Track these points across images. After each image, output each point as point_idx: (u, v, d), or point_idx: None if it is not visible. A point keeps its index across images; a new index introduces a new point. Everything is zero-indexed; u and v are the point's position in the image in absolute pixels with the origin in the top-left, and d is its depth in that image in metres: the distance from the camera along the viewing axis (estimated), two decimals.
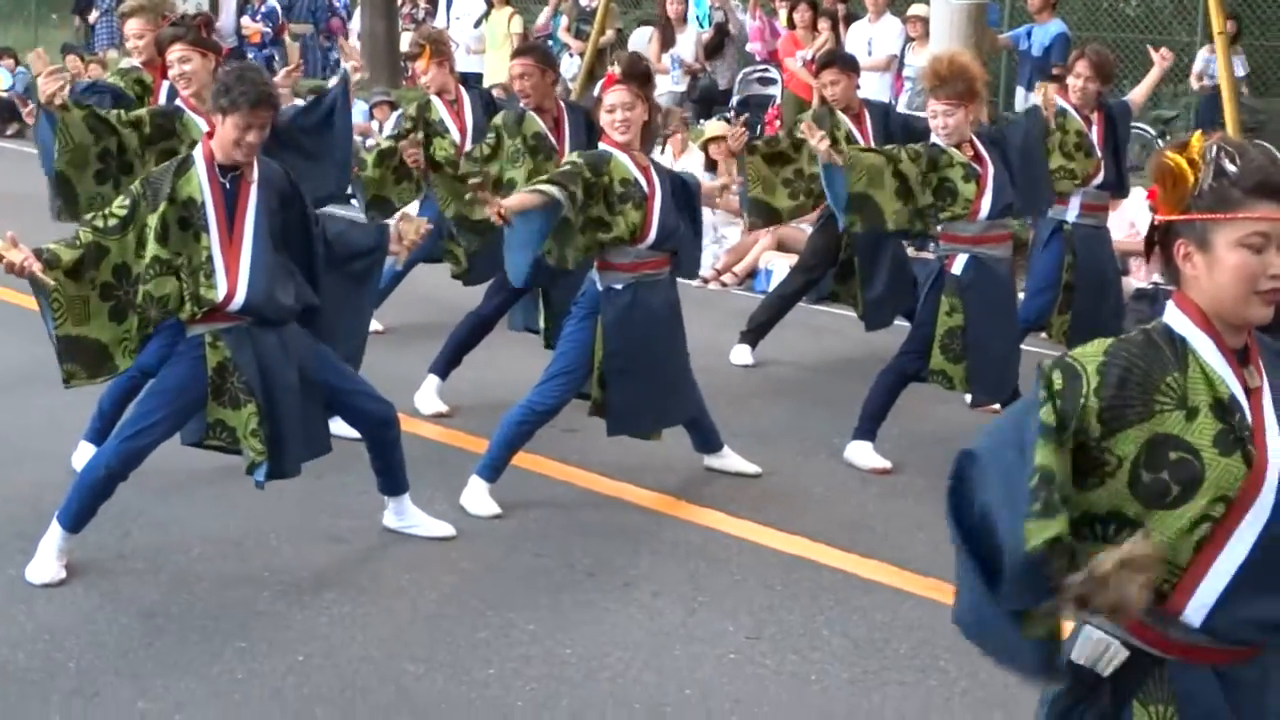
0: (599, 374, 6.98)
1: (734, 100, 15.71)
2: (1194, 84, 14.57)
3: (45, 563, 6.15)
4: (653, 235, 6.89)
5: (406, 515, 6.67)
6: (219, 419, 6.10)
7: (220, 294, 5.93)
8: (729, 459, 7.55)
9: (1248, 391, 3.12)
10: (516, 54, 8.68)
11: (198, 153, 6.00)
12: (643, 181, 6.89)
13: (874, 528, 6.94)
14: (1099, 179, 8.77)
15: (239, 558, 6.45)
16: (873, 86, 14.43)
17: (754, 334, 9.71)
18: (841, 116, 9.10)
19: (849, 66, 9.34)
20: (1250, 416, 3.11)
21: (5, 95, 21.10)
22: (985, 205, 7.51)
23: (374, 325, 10.05)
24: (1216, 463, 3.07)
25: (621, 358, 6.94)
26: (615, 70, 6.86)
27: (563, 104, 8.53)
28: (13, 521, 6.74)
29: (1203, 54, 14.58)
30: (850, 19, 15.35)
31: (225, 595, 6.07)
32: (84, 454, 7.15)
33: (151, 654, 5.57)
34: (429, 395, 8.50)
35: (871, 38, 14.45)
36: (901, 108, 13.95)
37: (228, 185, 5.98)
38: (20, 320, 10.27)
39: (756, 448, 7.88)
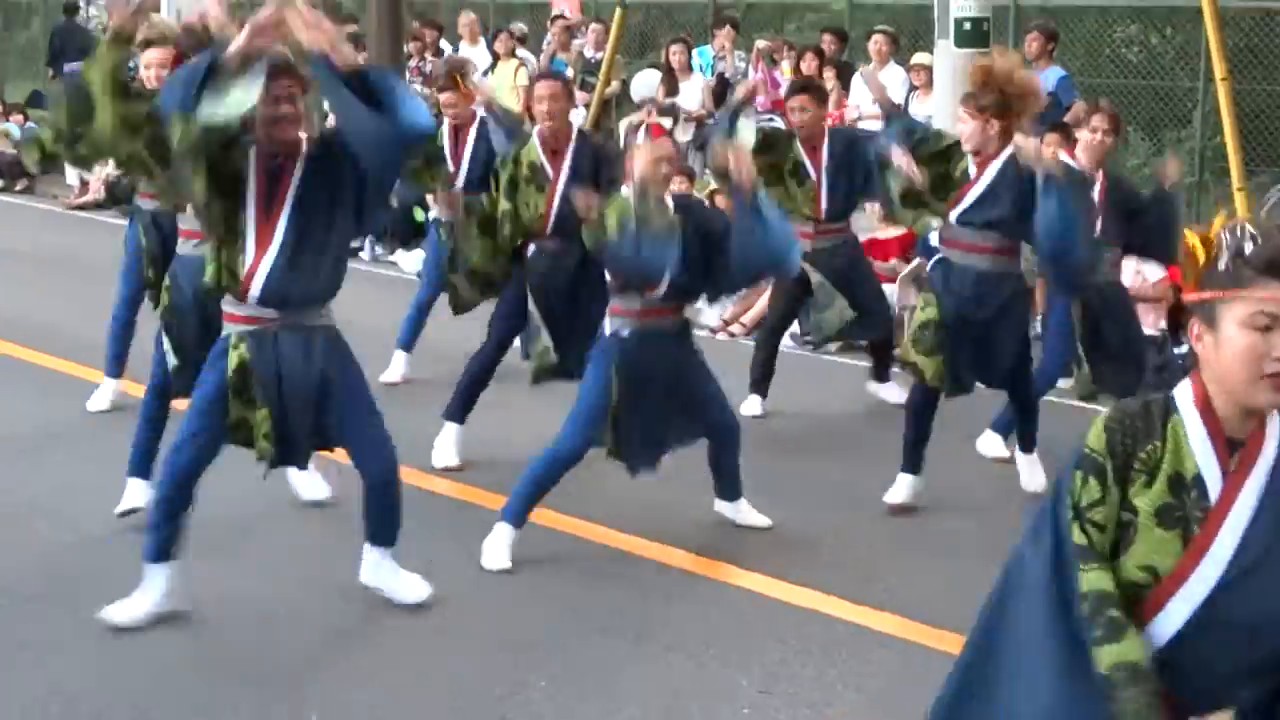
0: (612, 417, 7.03)
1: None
2: None
3: (132, 603, 6.25)
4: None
5: (380, 572, 6.55)
6: (241, 417, 6.15)
7: (243, 272, 6.01)
8: (742, 512, 7.56)
9: (1225, 475, 3.13)
10: (541, 77, 8.77)
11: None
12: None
13: (887, 580, 6.93)
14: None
15: (255, 612, 6.45)
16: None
17: (760, 385, 9.73)
18: (798, 145, 9.35)
19: (819, 97, 9.51)
20: (1214, 500, 3.11)
21: (14, 152, 21.20)
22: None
23: (396, 375, 10.21)
24: (1150, 533, 3.09)
25: (630, 401, 7.01)
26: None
27: (575, 130, 8.47)
28: (24, 581, 6.76)
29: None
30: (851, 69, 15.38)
31: (241, 651, 6.08)
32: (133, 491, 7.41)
33: (167, 712, 5.58)
34: (447, 445, 8.50)
35: None
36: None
37: (278, 164, 6.01)
38: (34, 377, 10.33)
39: (767, 499, 7.88)
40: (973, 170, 7.74)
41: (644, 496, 7.31)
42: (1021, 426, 8.27)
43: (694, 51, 16.57)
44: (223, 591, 6.64)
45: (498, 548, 7.03)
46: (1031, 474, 8.20)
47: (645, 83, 16.39)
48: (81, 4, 28.99)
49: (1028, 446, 8.26)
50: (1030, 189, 7.47)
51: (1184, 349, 10.14)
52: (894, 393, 9.65)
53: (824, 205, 9.39)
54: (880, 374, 9.97)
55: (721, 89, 16.27)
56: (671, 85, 16.10)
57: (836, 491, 8.11)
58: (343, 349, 6.23)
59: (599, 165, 8.10)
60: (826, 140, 9.36)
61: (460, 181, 9.57)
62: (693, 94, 15.98)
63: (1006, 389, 8.11)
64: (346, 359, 6.23)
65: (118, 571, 6.34)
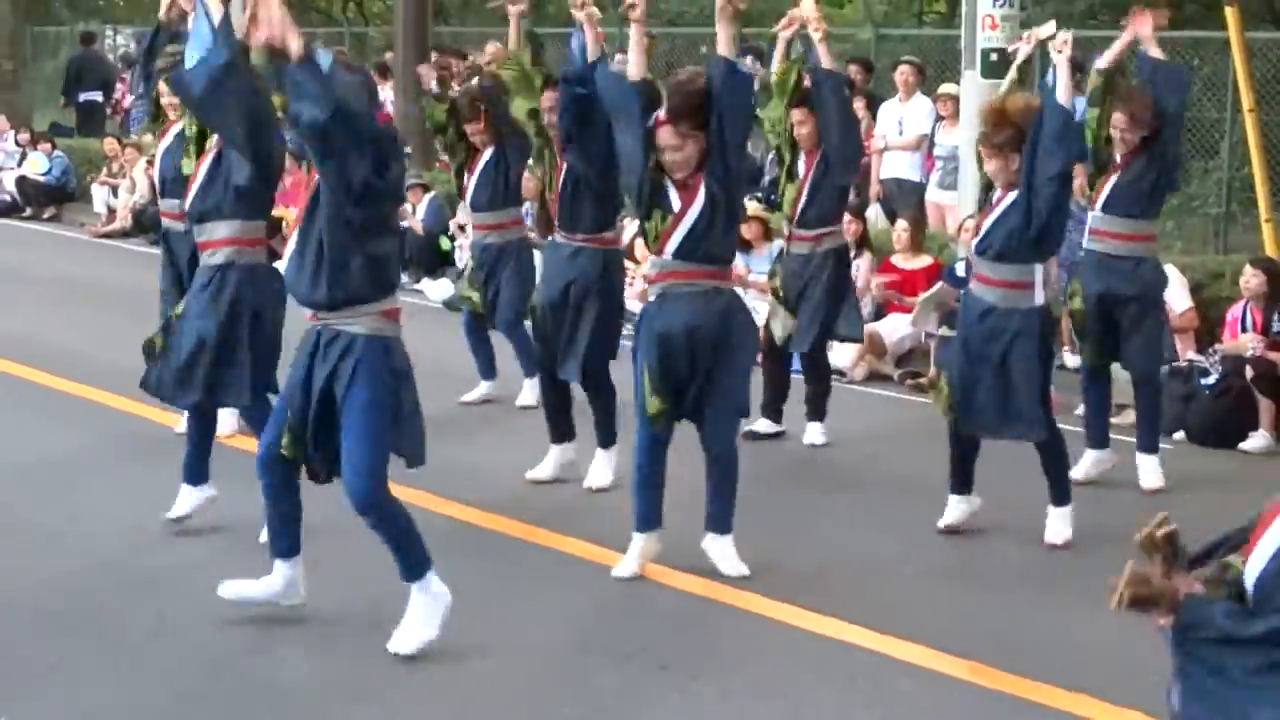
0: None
1: (765, 180, 15.74)
2: None
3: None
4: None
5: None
6: None
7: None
8: (713, 550, 7.32)
9: None
10: (548, 83, 8.96)
11: None
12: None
13: (909, 609, 6.89)
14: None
15: (273, 638, 6.45)
16: (903, 166, 14.48)
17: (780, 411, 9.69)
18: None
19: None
20: None
21: (42, 179, 21.32)
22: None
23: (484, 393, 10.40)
24: None
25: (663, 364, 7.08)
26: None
27: None
28: (46, 604, 6.77)
29: None
30: (879, 99, 15.39)
31: (258, 677, 6.07)
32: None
33: None
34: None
35: (902, 117, 14.48)
36: (933, 186, 14.00)
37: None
38: (56, 403, 10.35)
39: (789, 528, 7.87)
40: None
41: (668, 525, 7.27)
42: (1049, 473, 7.86)
43: None
44: (239, 612, 6.62)
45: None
46: (1057, 529, 7.82)
47: None
48: (108, 33, 29.23)
49: (1058, 498, 7.85)
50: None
51: (1211, 379, 10.10)
52: (814, 433, 9.65)
53: (799, 208, 9.42)
54: (811, 411, 9.79)
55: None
56: None
57: (858, 520, 8.09)
58: (369, 358, 6.01)
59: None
60: (821, 152, 9.37)
61: (468, 199, 10.18)
62: None
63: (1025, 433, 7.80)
64: (364, 370, 6.00)
65: (138, 594, 6.34)
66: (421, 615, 6.19)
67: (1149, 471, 8.68)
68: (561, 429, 8.67)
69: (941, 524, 7.89)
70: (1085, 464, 8.71)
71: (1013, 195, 7.60)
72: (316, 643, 6.41)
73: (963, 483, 7.89)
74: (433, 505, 7.89)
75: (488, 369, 10.56)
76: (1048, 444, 7.76)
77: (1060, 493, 7.83)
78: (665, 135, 7.00)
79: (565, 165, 8.38)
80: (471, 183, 10.14)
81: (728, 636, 6.61)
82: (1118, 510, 7.96)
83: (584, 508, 8.21)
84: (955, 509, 7.90)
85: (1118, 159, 8.77)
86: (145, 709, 5.79)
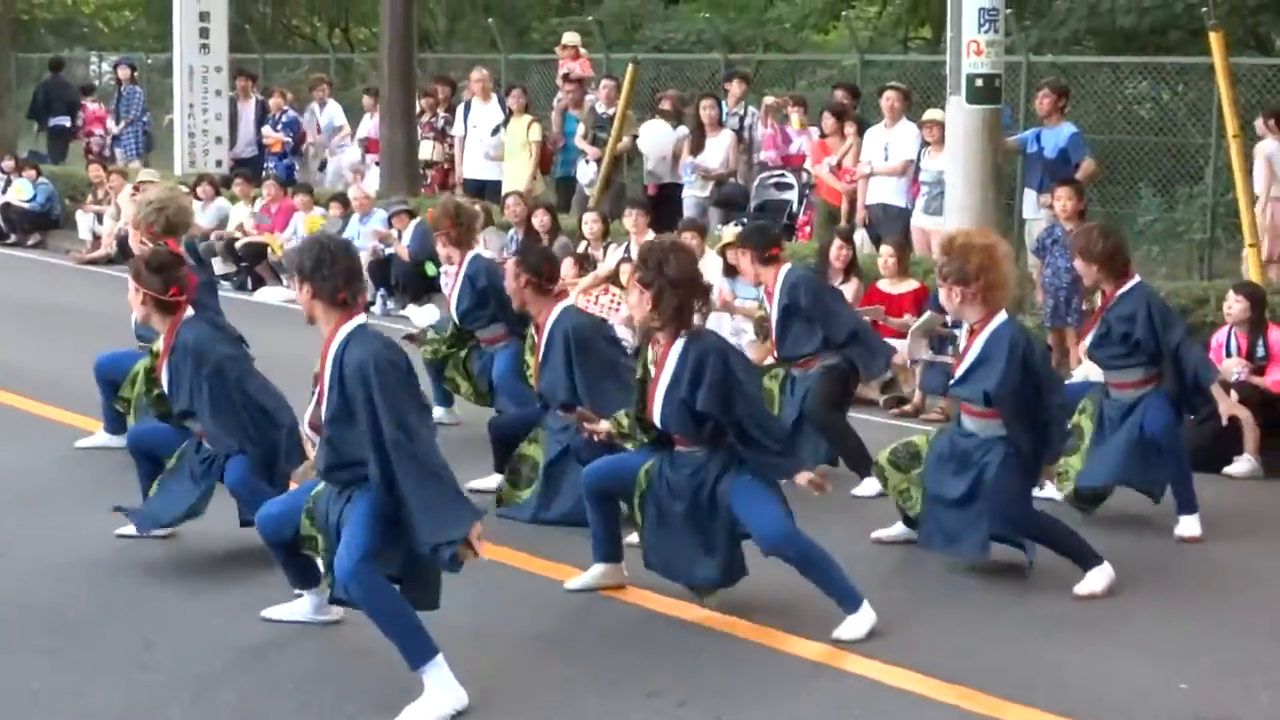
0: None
1: (752, 205, 15.79)
2: None
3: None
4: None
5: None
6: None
7: None
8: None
9: None
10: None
11: None
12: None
13: (898, 634, 6.88)
14: None
15: (262, 668, 6.43)
16: (889, 191, 14.51)
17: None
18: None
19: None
20: None
21: (26, 205, 21.30)
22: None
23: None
24: None
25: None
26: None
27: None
28: (33, 635, 6.74)
29: None
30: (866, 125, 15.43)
31: (248, 707, 6.04)
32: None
33: None
34: None
35: (888, 143, 14.51)
36: (918, 212, 14.02)
37: None
38: (41, 431, 10.33)
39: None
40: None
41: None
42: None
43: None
44: (228, 643, 6.61)
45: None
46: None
47: (655, 138, 16.41)
48: (92, 59, 29.25)
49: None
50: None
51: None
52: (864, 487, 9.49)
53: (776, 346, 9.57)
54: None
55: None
56: (698, 141, 16.11)
57: (845, 545, 8.06)
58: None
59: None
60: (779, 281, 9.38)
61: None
62: (717, 151, 15.98)
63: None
64: (361, 492, 6.14)
65: (128, 617, 6.29)
66: (428, 702, 5.97)
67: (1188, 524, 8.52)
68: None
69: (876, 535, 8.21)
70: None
71: (983, 338, 7.59)
72: (305, 669, 6.39)
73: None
74: None
75: (443, 397, 10.54)
76: (1034, 537, 7.61)
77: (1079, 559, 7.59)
78: None
79: None
80: (453, 303, 10.46)
81: (715, 662, 6.59)
82: (1104, 536, 7.96)
83: (565, 530, 8.20)
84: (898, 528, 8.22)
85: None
86: None
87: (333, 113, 20.70)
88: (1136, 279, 8.56)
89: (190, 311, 7.75)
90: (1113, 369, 8.63)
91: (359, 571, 5.93)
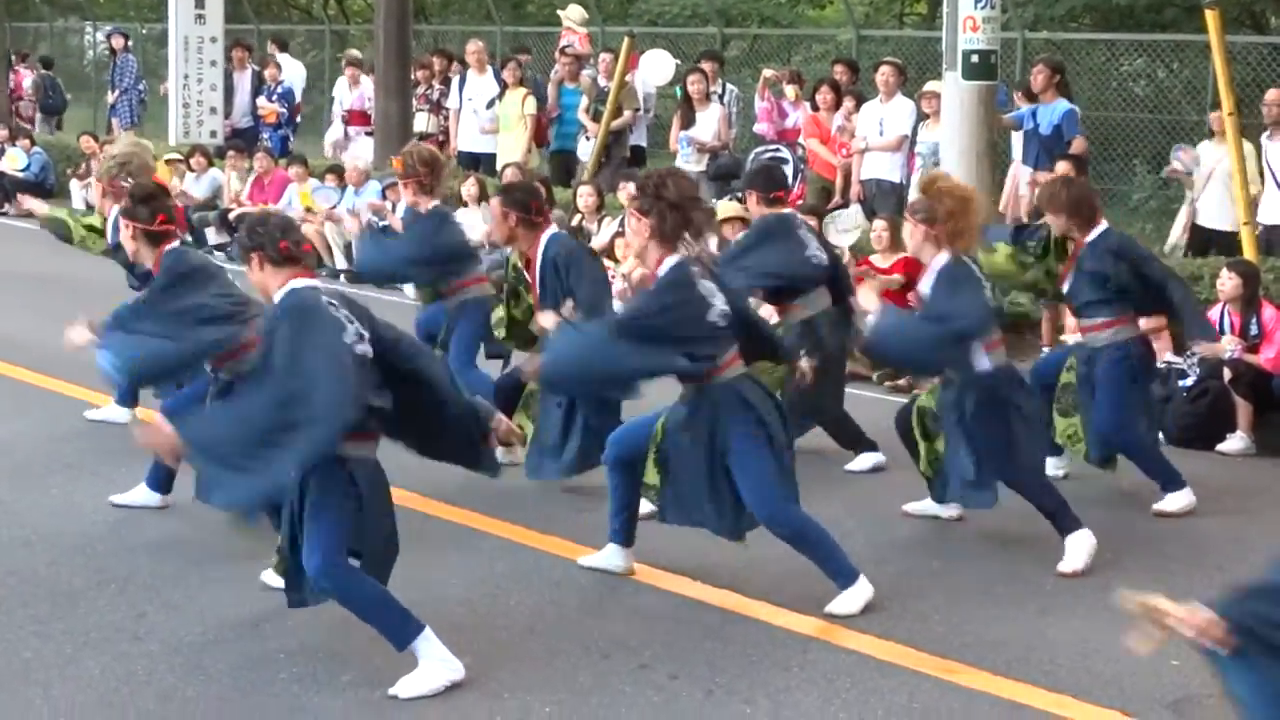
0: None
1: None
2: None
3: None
4: None
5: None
6: None
7: None
8: None
9: None
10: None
11: None
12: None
13: (889, 609, 6.90)
14: None
15: (255, 639, 6.44)
16: (884, 166, 14.51)
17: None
18: None
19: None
20: None
21: (21, 174, 21.28)
22: None
23: None
24: None
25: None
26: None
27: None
28: (26, 604, 6.75)
29: None
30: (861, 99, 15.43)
31: (241, 677, 6.06)
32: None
33: None
34: None
35: (883, 118, 14.50)
36: (915, 187, 14.00)
37: None
38: (39, 402, 10.32)
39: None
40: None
41: (649, 525, 7.28)
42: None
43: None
44: (222, 614, 6.63)
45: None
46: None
47: (658, 67, 16.45)
48: (87, 30, 29.21)
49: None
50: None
51: (1189, 381, 10.14)
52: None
53: None
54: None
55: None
56: (688, 115, 16.11)
57: (837, 520, 8.08)
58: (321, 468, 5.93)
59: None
60: None
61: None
62: (709, 124, 15.99)
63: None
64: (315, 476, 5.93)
65: (123, 588, 6.30)
66: (422, 674, 5.97)
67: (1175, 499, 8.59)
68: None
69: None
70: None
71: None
72: (295, 648, 6.41)
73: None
74: (410, 503, 7.89)
75: None
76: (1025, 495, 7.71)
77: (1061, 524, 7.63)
78: None
79: None
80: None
81: (708, 635, 6.61)
82: (1097, 510, 7.97)
83: (563, 506, 8.22)
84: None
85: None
86: (126, 712, 5.78)
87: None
88: (1105, 225, 8.54)
89: (176, 243, 7.78)
90: (1084, 315, 8.64)
91: (327, 567, 5.86)
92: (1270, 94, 12.61)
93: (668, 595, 7.06)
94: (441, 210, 9.79)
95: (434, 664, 5.94)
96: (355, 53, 21.87)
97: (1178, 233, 13.39)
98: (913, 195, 13.90)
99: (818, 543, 6.88)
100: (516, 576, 7.20)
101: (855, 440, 9.20)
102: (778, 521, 6.83)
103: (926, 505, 8.18)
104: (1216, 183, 12.66)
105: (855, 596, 6.83)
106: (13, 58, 26.11)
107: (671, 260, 6.70)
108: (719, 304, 6.70)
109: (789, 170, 15.53)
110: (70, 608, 6.70)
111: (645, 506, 7.25)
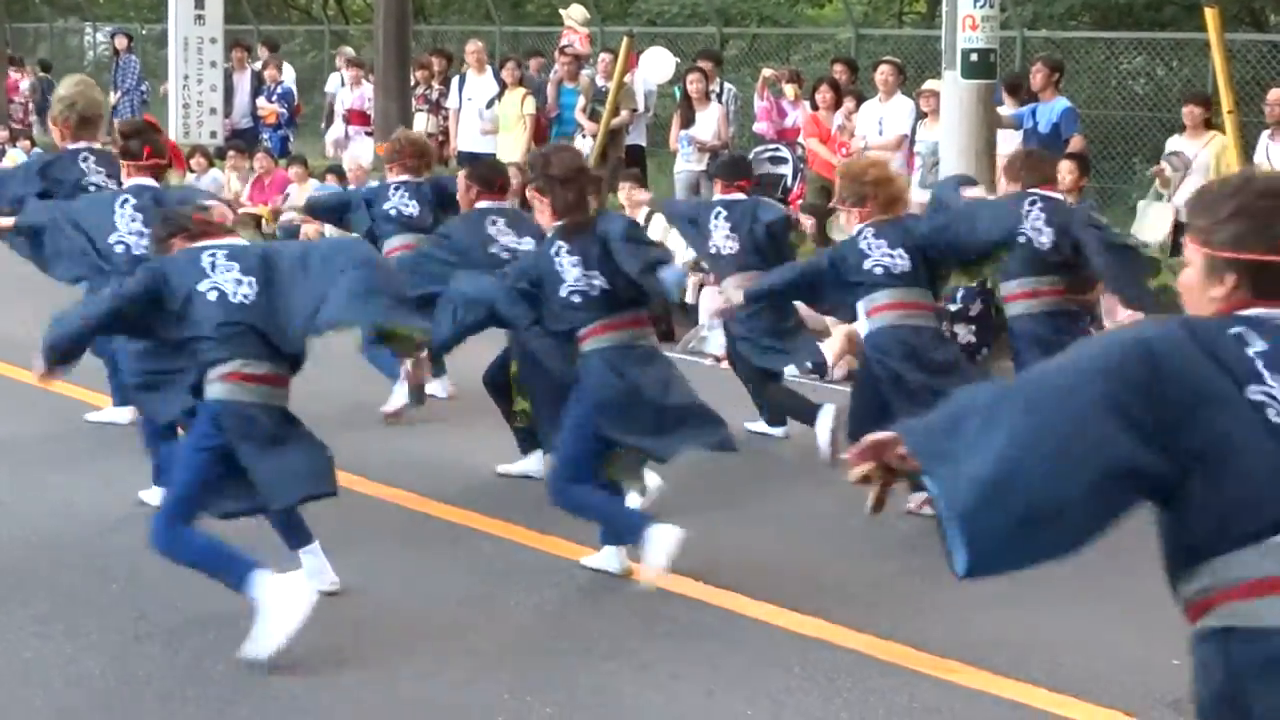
0: None
1: None
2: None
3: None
4: None
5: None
6: None
7: None
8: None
9: None
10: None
11: None
12: None
13: (890, 609, 6.90)
14: None
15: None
16: None
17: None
18: None
19: None
20: None
21: None
22: None
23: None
24: None
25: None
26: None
27: None
28: (26, 604, 6.75)
29: None
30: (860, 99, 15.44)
31: (242, 678, 6.05)
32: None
33: None
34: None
35: (882, 117, 14.52)
36: (915, 184, 14.02)
37: None
38: (39, 402, 10.31)
39: (773, 528, 7.87)
40: None
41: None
42: None
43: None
44: (223, 615, 6.62)
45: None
46: None
47: (659, 65, 16.46)
48: (87, 30, 29.21)
49: None
50: None
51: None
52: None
53: None
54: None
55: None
56: (688, 115, 16.11)
57: (838, 519, 8.08)
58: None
59: None
60: None
61: None
62: (709, 123, 15.99)
63: None
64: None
65: (123, 588, 6.30)
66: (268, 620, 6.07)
67: None
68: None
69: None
70: None
71: None
72: (303, 646, 6.40)
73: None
74: (410, 503, 7.89)
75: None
76: None
77: None
78: None
79: None
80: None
81: (709, 635, 6.61)
82: None
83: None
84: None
85: None
86: (126, 713, 5.78)
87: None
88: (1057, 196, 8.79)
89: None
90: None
91: (158, 529, 6.16)
92: (1272, 94, 12.62)
93: (668, 596, 7.05)
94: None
95: (276, 601, 6.03)
96: (349, 50, 21.88)
97: (1164, 231, 13.37)
98: (914, 195, 13.99)
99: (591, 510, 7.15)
100: (516, 576, 7.20)
101: (781, 416, 9.56)
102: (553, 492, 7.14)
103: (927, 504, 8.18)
104: (1196, 177, 12.66)
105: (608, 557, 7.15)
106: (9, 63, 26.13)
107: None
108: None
109: (788, 170, 15.56)
110: (70, 608, 6.70)
111: (634, 500, 7.31)
